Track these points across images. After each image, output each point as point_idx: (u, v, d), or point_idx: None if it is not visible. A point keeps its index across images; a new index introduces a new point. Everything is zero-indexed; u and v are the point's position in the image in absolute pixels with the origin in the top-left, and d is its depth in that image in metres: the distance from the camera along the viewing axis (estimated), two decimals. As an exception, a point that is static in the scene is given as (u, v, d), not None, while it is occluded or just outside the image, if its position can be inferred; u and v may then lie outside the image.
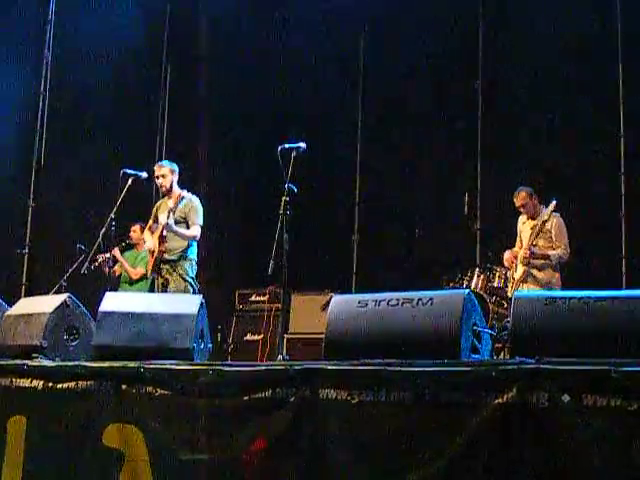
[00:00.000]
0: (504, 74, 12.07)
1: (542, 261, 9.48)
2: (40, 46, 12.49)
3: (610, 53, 11.16)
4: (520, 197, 9.70)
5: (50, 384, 5.82)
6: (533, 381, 3.98)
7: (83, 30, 12.43)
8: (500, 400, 4.02)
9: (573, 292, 4.66)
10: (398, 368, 4.42)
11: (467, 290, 5.11)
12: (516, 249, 9.84)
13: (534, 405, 3.95)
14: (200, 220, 8.95)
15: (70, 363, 5.93)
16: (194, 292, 8.83)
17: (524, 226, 9.86)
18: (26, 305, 6.92)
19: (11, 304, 7.01)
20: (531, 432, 3.95)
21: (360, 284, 12.28)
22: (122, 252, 10.85)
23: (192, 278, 8.89)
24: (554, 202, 9.21)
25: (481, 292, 10.18)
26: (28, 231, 12.17)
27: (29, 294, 10.23)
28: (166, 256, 8.84)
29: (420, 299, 4.92)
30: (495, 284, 10.39)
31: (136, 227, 10.94)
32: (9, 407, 5.99)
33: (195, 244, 9.00)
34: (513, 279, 9.68)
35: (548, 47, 11.53)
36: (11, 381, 6.03)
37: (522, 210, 9.77)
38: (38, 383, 5.88)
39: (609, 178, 11.01)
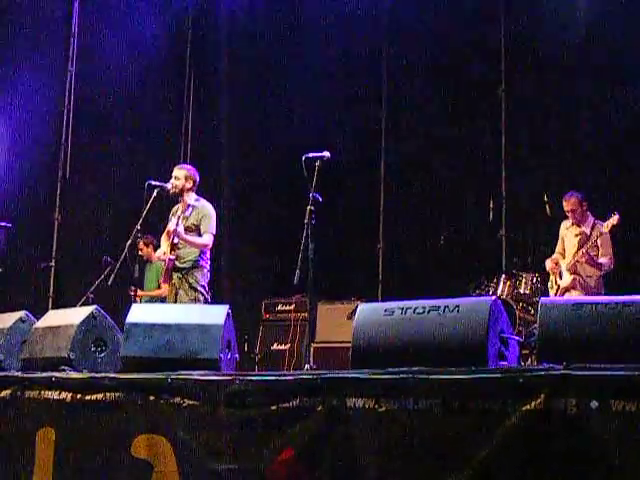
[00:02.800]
0: (528, 78, 12.02)
1: (591, 269, 9.48)
2: (65, 60, 12.57)
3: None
4: (571, 202, 9.69)
5: (78, 396, 5.84)
6: (561, 387, 3.95)
7: (107, 44, 12.53)
8: (528, 407, 4.00)
9: (600, 297, 4.64)
10: (425, 376, 4.40)
11: (494, 297, 5.10)
12: (557, 255, 9.84)
13: (562, 412, 3.92)
14: (213, 228, 8.92)
15: (98, 375, 5.95)
16: (205, 301, 8.80)
17: (568, 231, 9.85)
18: (53, 317, 6.95)
19: (39, 317, 7.03)
20: (559, 439, 3.93)
21: (386, 292, 12.27)
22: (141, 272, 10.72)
23: (203, 287, 8.85)
24: (616, 216, 9.17)
25: (508, 299, 10.17)
26: (54, 244, 12.24)
27: (56, 307, 10.27)
28: (177, 264, 8.81)
29: (447, 306, 4.90)
30: (521, 290, 10.37)
31: (141, 245, 10.64)
32: (38, 419, 6.02)
33: (208, 252, 8.98)
34: (557, 285, 9.68)
35: (573, 48, 11.48)
36: (39, 393, 6.06)
37: (570, 215, 9.74)
38: (66, 395, 5.90)
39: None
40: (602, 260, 9.45)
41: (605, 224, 9.20)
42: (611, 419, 3.80)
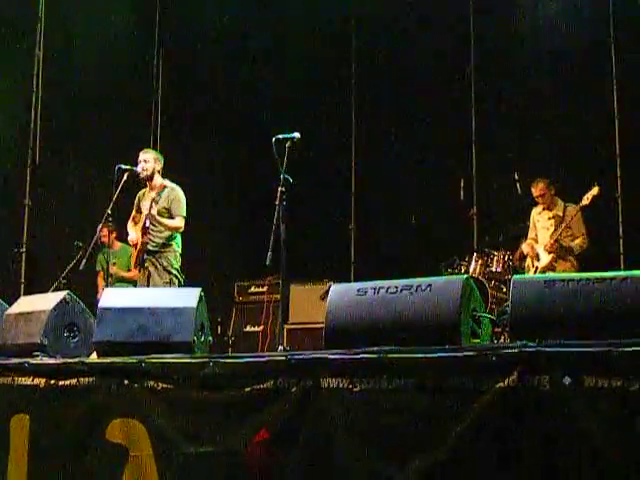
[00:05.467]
0: (497, 58, 12.06)
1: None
2: (32, 44, 12.45)
3: (603, 30, 11.17)
4: (539, 187, 9.87)
5: (52, 382, 5.83)
6: (534, 364, 3.98)
7: (75, 26, 12.42)
8: (502, 384, 4.02)
9: (572, 274, 4.65)
10: (398, 355, 4.42)
11: (465, 275, 5.12)
12: (530, 240, 9.98)
13: (536, 388, 3.95)
14: (183, 211, 8.94)
15: (71, 360, 5.94)
16: (179, 284, 8.82)
17: (540, 216, 10.02)
18: (26, 303, 6.92)
19: (10, 303, 7.00)
20: (533, 415, 3.96)
21: (358, 273, 12.29)
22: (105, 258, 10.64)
23: (177, 270, 8.88)
24: (597, 187, 9.31)
25: (480, 277, 10.22)
26: (25, 230, 12.16)
27: (28, 293, 10.21)
28: (149, 247, 8.81)
29: (419, 286, 4.91)
30: (493, 269, 10.44)
31: (104, 230, 10.39)
32: (11, 406, 6.00)
33: (179, 235, 8.98)
34: (535, 267, 9.80)
35: (541, 30, 11.55)
36: (13, 380, 6.04)
37: (539, 200, 9.90)
38: (40, 381, 5.88)
39: (604, 163, 11.01)
40: (575, 243, 9.69)
41: (585, 196, 9.34)
42: (584, 395, 3.83)
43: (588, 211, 9.73)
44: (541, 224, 10.03)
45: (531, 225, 10.21)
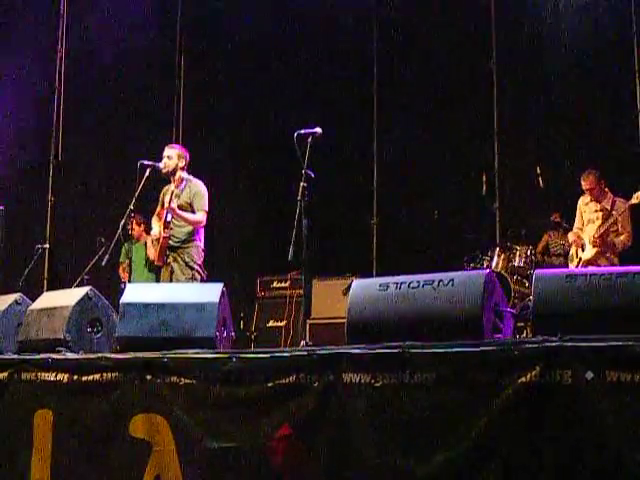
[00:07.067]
0: (520, 52, 12.02)
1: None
2: (53, 41, 12.51)
3: (625, 28, 11.11)
4: (589, 180, 9.81)
5: (75, 377, 5.86)
6: (556, 359, 3.97)
7: (96, 23, 12.47)
8: (524, 379, 4.01)
9: (594, 268, 4.64)
10: (420, 350, 4.42)
11: (488, 270, 5.11)
12: (576, 230, 9.94)
13: (558, 383, 3.94)
14: (205, 206, 8.90)
15: (94, 355, 5.96)
16: (201, 279, 8.81)
17: (587, 207, 9.97)
18: (48, 299, 6.94)
19: (34, 299, 7.03)
20: (555, 410, 3.95)
21: (380, 267, 12.28)
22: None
23: (199, 265, 8.86)
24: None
25: (502, 271, 10.19)
26: (48, 226, 12.22)
27: (51, 288, 10.26)
28: (171, 242, 8.80)
29: (441, 280, 4.90)
30: (516, 263, 10.41)
31: (133, 224, 10.44)
32: (35, 401, 6.03)
33: (202, 231, 8.97)
34: (578, 258, 9.78)
35: (565, 23, 11.49)
36: (36, 375, 6.07)
37: (588, 193, 9.86)
38: (63, 376, 5.91)
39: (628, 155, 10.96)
40: (619, 239, 9.67)
41: (635, 195, 9.27)
42: (606, 389, 3.82)
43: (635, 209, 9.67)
44: (587, 215, 9.95)
45: (577, 214, 10.13)
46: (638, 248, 9.87)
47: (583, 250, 9.81)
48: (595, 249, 9.64)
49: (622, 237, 9.68)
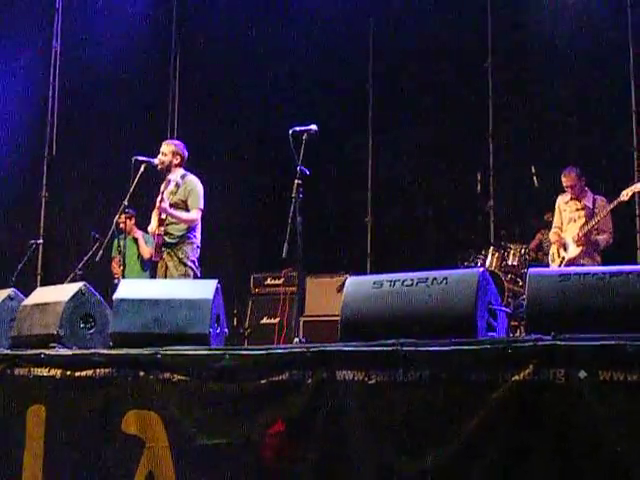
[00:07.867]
0: (515, 52, 12.04)
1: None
2: (48, 37, 12.50)
3: (623, 29, 11.13)
4: (570, 177, 9.74)
5: (68, 373, 5.84)
6: (549, 358, 3.97)
7: (91, 20, 12.45)
8: (517, 377, 4.02)
9: (588, 268, 4.64)
10: (414, 348, 4.42)
11: (482, 268, 5.11)
12: (556, 229, 9.89)
13: (551, 382, 3.94)
14: (200, 204, 8.89)
15: (87, 351, 5.95)
16: (195, 276, 8.79)
17: (567, 205, 9.90)
18: (42, 295, 6.94)
19: (27, 294, 7.03)
20: (548, 408, 3.96)
21: (374, 265, 12.29)
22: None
23: (193, 262, 8.83)
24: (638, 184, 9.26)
25: (496, 270, 10.20)
26: (42, 221, 12.21)
27: (44, 284, 10.25)
28: (166, 239, 8.79)
29: (435, 278, 4.90)
30: (510, 262, 10.43)
31: (122, 218, 10.45)
32: (28, 397, 6.02)
33: (197, 227, 8.95)
34: (561, 258, 9.73)
35: (559, 25, 11.51)
36: (29, 371, 6.06)
37: (569, 190, 9.79)
38: (56, 372, 5.90)
39: (622, 155, 10.98)
40: (601, 237, 9.58)
41: (625, 192, 9.23)
42: (599, 388, 3.82)
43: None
44: (568, 214, 9.88)
45: (556, 213, 10.04)
46: (619, 246, 9.89)
47: (565, 249, 9.76)
48: (580, 248, 9.57)
49: (604, 235, 9.60)
